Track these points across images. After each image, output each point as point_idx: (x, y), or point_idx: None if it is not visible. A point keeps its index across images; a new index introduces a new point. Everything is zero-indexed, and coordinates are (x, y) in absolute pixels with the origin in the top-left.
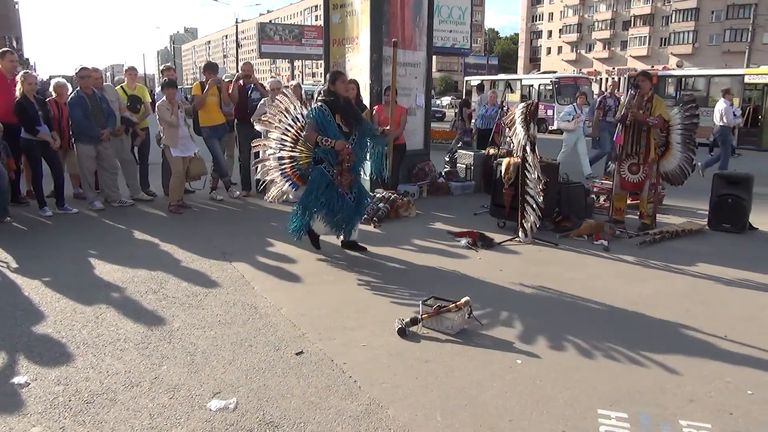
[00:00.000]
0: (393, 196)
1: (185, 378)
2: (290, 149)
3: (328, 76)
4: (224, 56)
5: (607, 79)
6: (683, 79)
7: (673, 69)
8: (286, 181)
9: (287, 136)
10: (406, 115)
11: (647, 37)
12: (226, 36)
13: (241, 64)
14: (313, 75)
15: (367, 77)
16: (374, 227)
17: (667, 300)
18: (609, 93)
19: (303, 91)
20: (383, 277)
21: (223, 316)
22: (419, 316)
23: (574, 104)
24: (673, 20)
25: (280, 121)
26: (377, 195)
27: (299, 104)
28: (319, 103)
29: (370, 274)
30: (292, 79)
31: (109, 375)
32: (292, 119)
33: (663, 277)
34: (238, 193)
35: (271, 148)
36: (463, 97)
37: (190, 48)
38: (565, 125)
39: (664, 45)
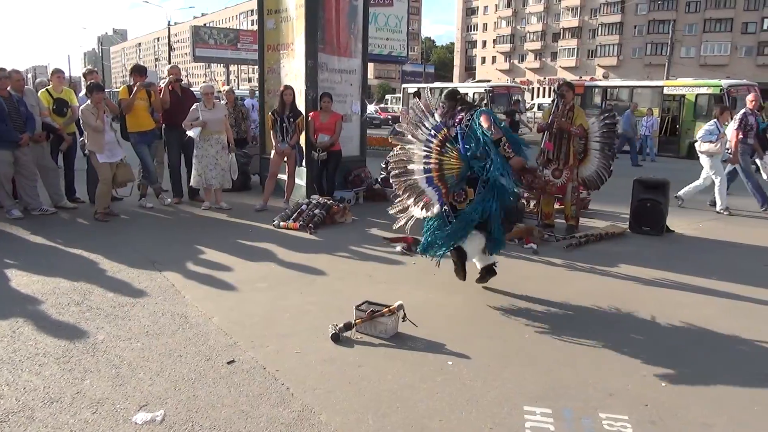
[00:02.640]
0: (329, 203)
1: (109, 392)
2: (435, 164)
3: (445, 96)
4: (156, 59)
5: (542, 88)
6: (608, 89)
7: (600, 80)
8: (437, 197)
9: (430, 149)
10: (342, 122)
11: (575, 49)
12: (158, 39)
13: (167, 67)
14: (250, 80)
15: (303, 83)
16: (309, 234)
17: (592, 300)
18: (751, 109)
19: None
20: (317, 284)
21: (151, 327)
22: (353, 322)
23: (716, 121)
24: (599, 33)
25: (414, 135)
26: (312, 201)
27: (431, 116)
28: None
29: (304, 280)
30: (227, 84)
31: (27, 391)
32: (432, 130)
33: (588, 279)
34: (169, 200)
35: (412, 163)
36: (410, 100)
37: (119, 50)
38: (708, 147)
39: (592, 57)
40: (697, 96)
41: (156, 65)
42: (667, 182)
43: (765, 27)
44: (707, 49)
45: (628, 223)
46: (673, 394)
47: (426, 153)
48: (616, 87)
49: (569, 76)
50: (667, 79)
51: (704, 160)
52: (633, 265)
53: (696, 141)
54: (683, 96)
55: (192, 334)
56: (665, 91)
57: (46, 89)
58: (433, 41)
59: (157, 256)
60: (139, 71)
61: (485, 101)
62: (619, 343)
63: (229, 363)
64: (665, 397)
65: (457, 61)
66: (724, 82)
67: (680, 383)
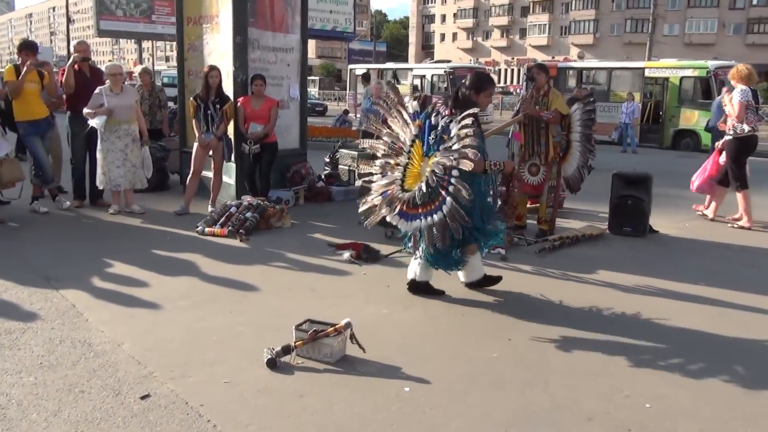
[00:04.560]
0: (263, 204)
1: None
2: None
3: (471, 80)
4: (51, 33)
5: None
6: (583, 71)
7: (574, 60)
8: (393, 212)
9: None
10: (278, 109)
11: (547, 25)
12: (53, 8)
13: (73, 43)
14: (167, 59)
15: (230, 63)
16: (240, 241)
17: (566, 311)
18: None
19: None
20: (250, 300)
21: (46, 357)
22: (292, 344)
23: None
24: (573, 7)
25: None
26: (244, 203)
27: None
28: (470, 118)
29: (234, 296)
30: (141, 64)
31: None
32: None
33: (561, 287)
34: (68, 203)
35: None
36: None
37: (6, 22)
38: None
39: (565, 34)
40: (681, 79)
41: (52, 40)
42: (650, 177)
43: (755, 2)
44: (692, 26)
45: (607, 223)
46: (659, 416)
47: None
48: (592, 69)
49: (540, 56)
50: (649, 59)
51: None
52: (612, 270)
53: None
54: (666, 79)
55: (97, 364)
56: (647, 73)
57: None
58: (385, 15)
59: (54, 271)
60: (29, 48)
61: (445, 84)
62: (597, 359)
63: (143, 398)
64: (650, 421)
65: (412, 38)
66: (711, 64)
67: (667, 403)
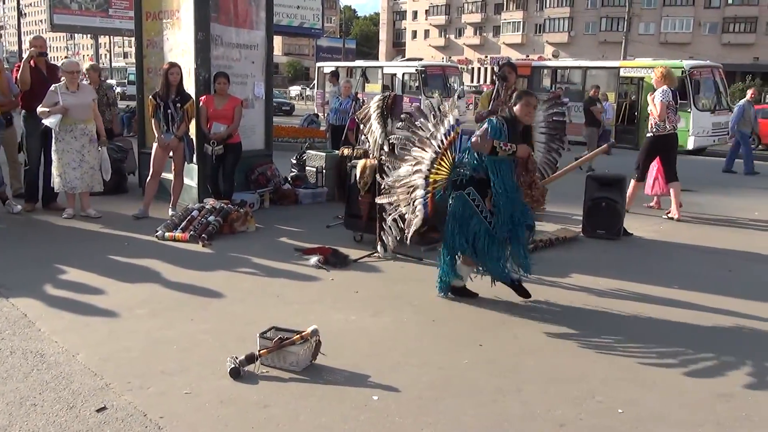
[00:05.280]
0: (226, 208)
1: None
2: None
3: (515, 96)
4: (0, 27)
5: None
6: (558, 70)
7: (549, 59)
8: (423, 207)
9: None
10: (242, 108)
11: (521, 23)
12: (3, 1)
13: (27, 38)
14: (125, 55)
15: (192, 60)
16: (202, 246)
17: (539, 316)
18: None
19: (101, 75)
20: (212, 308)
21: None
22: (256, 353)
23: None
24: (547, 5)
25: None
26: (206, 206)
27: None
28: (500, 119)
29: (196, 303)
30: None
31: None
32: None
33: (534, 291)
34: (19, 207)
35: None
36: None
37: None
38: None
39: (540, 32)
40: None
41: (1, 35)
42: (624, 178)
43: (730, 1)
44: (668, 25)
45: (581, 225)
46: (631, 421)
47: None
48: (567, 68)
49: (514, 55)
50: (624, 59)
51: None
52: (586, 274)
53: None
54: (641, 79)
55: (50, 376)
56: (622, 72)
57: None
58: (354, 11)
59: (3, 278)
60: None
61: (417, 83)
62: (570, 365)
63: (99, 411)
64: (623, 426)
65: (383, 36)
66: (687, 63)
67: (639, 408)
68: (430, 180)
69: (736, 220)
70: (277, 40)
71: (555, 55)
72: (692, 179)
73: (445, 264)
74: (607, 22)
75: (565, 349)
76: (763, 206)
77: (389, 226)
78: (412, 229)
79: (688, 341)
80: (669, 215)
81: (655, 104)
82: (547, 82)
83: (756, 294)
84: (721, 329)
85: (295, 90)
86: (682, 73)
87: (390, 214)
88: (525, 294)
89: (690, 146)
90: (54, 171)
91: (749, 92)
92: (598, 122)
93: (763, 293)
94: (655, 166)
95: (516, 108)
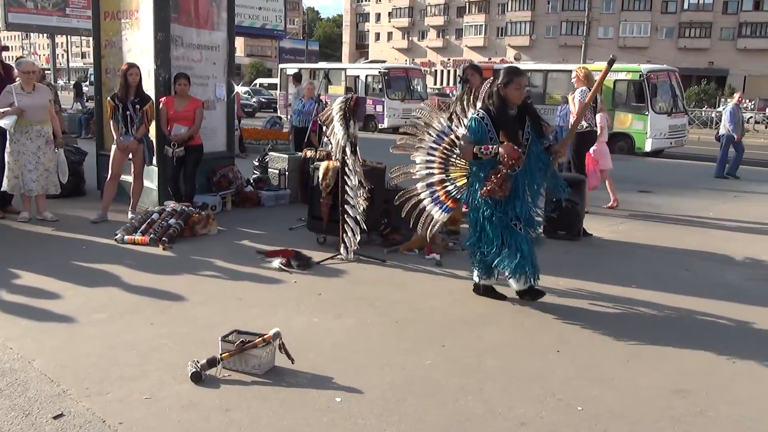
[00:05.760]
0: (187, 210)
1: None
2: (439, 171)
3: (502, 72)
4: None
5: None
6: None
7: (511, 62)
8: (439, 208)
9: (433, 156)
10: (203, 110)
11: (483, 26)
12: None
13: None
14: (83, 55)
15: (152, 61)
16: (163, 249)
17: (500, 317)
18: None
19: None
20: (173, 312)
21: None
22: (218, 356)
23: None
24: (509, 8)
25: (421, 140)
26: (167, 209)
27: (445, 117)
28: (480, 113)
29: (156, 307)
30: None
31: None
32: (438, 135)
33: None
34: None
35: (416, 174)
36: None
37: None
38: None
39: (502, 35)
40: (615, 82)
41: None
42: (583, 180)
43: (686, 6)
44: (626, 30)
45: (541, 227)
46: (590, 419)
47: (429, 161)
48: (528, 70)
49: (477, 57)
50: (584, 62)
51: None
52: (547, 274)
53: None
54: None
55: (5, 383)
56: None
57: None
58: (318, 13)
59: None
60: None
61: (380, 85)
62: (531, 364)
63: (56, 418)
64: (582, 423)
65: (346, 38)
66: (644, 67)
67: (598, 406)
68: (449, 177)
69: (691, 220)
70: (240, 41)
71: (517, 58)
72: (650, 181)
73: (472, 262)
74: (568, 26)
75: (527, 349)
76: (716, 206)
77: (351, 227)
78: (436, 228)
79: (646, 339)
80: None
81: (575, 104)
82: None
83: (712, 292)
84: (678, 327)
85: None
86: (640, 77)
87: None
88: (501, 296)
89: (648, 148)
90: (9, 173)
91: (736, 95)
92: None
93: (719, 292)
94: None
95: (507, 91)
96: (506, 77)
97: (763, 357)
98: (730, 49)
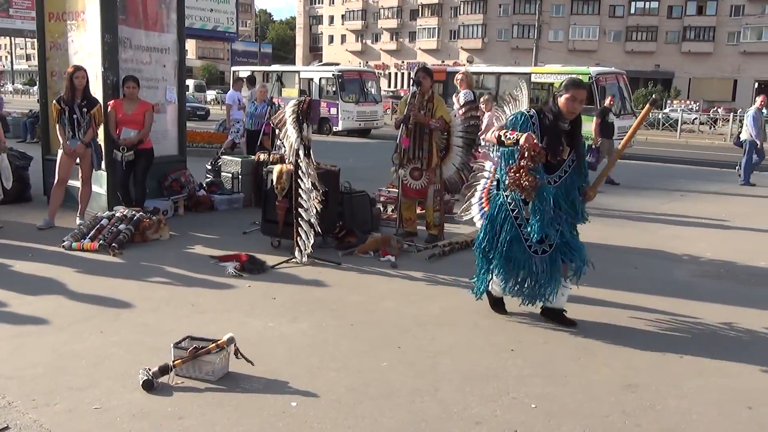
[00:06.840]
0: (138, 215)
1: None
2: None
3: (563, 86)
4: None
5: (400, 73)
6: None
7: (463, 65)
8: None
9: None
10: (153, 113)
11: (437, 29)
12: None
13: None
14: (28, 57)
15: (99, 63)
16: (113, 255)
17: (454, 317)
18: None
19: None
20: (123, 319)
21: None
22: (171, 363)
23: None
24: (462, 12)
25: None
26: (116, 214)
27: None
28: (531, 111)
29: (106, 315)
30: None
31: None
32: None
33: (452, 293)
34: None
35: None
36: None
37: None
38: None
39: (454, 38)
40: None
41: None
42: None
43: (632, 11)
44: (575, 33)
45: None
46: (544, 416)
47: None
48: (481, 73)
49: (430, 60)
50: (535, 65)
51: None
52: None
53: None
54: (551, 84)
55: None
56: (533, 78)
57: None
58: (270, 15)
59: None
60: None
61: (334, 88)
62: (485, 363)
63: (1, 431)
64: (536, 421)
65: (299, 40)
66: (593, 70)
67: (551, 403)
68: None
69: (639, 219)
70: (191, 44)
71: (469, 61)
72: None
73: (478, 267)
74: (519, 29)
75: (481, 349)
76: (663, 205)
77: (306, 231)
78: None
79: (596, 336)
80: None
81: (459, 104)
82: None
83: (660, 289)
84: (627, 324)
85: (210, 94)
86: (589, 79)
87: (305, 219)
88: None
89: None
90: None
91: (759, 99)
92: (611, 133)
93: (667, 288)
94: None
95: (560, 101)
96: (564, 86)
97: (710, 352)
98: (675, 53)
